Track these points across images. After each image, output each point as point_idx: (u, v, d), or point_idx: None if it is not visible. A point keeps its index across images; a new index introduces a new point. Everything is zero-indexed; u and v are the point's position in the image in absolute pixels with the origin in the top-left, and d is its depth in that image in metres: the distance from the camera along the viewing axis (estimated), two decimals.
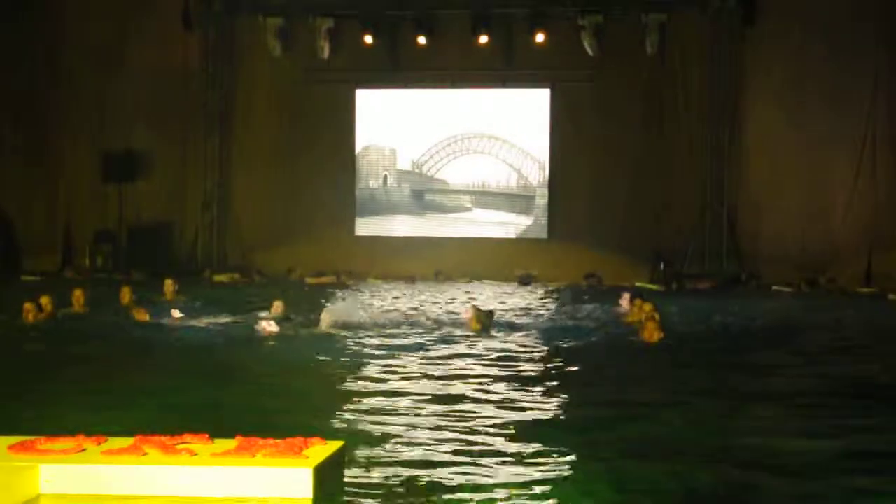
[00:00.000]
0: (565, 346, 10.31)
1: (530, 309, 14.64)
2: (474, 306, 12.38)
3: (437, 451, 5.48)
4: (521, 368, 8.74)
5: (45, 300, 12.13)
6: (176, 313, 12.03)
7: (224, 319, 12.07)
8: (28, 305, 11.78)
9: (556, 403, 7.22)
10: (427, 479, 4.95)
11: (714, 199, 20.61)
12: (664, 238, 20.52)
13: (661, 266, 19.88)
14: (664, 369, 8.92)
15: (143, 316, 12.04)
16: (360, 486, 4.77)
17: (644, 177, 20.77)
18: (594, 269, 20.06)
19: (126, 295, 13.25)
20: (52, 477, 4.39)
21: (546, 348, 10.13)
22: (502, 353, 9.64)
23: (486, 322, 11.50)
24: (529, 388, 7.72)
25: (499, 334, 11.13)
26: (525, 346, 10.22)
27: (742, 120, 20.67)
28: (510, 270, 20.41)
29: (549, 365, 9.03)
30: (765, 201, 20.44)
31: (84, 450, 4.59)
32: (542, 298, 16.77)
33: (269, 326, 11.02)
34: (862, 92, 19.98)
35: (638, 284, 18.21)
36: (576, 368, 8.85)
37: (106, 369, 8.58)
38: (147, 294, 14.10)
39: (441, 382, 7.86)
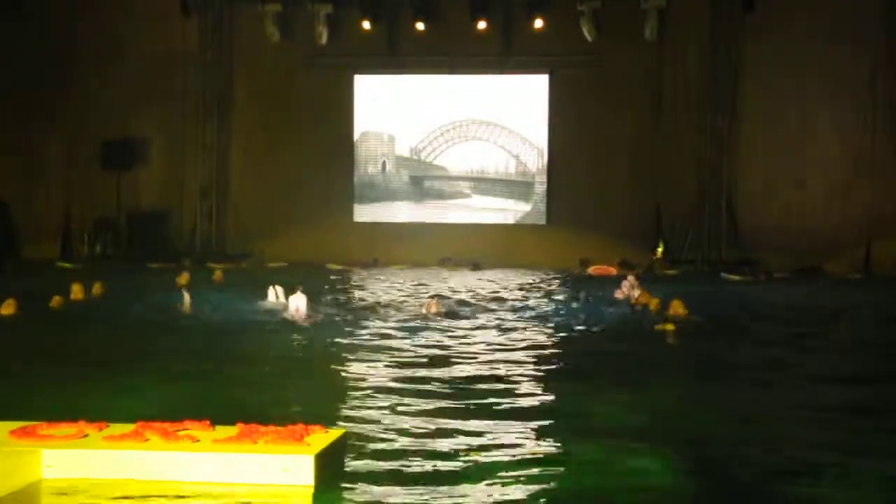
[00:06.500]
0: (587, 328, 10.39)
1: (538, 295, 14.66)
2: (435, 296, 12.51)
3: (439, 441, 5.48)
4: (527, 356, 8.73)
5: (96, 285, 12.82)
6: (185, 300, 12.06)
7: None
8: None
9: (564, 391, 7.23)
10: (430, 466, 4.96)
11: (713, 186, 20.59)
12: (663, 224, 20.55)
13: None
14: None
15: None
16: (361, 473, 4.77)
17: (643, 163, 20.75)
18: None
19: (184, 278, 13.87)
20: (54, 462, 4.41)
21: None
22: (509, 340, 9.63)
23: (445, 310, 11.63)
24: (533, 376, 7.73)
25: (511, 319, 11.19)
26: (533, 334, 10.22)
27: (741, 106, 20.61)
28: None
29: (557, 349, 9.09)
30: (764, 188, 20.42)
31: (86, 435, 4.61)
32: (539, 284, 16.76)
33: (297, 313, 10.98)
34: (862, 79, 19.93)
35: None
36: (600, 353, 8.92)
37: (113, 354, 8.59)
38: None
39: (445, 371, 7.85)
